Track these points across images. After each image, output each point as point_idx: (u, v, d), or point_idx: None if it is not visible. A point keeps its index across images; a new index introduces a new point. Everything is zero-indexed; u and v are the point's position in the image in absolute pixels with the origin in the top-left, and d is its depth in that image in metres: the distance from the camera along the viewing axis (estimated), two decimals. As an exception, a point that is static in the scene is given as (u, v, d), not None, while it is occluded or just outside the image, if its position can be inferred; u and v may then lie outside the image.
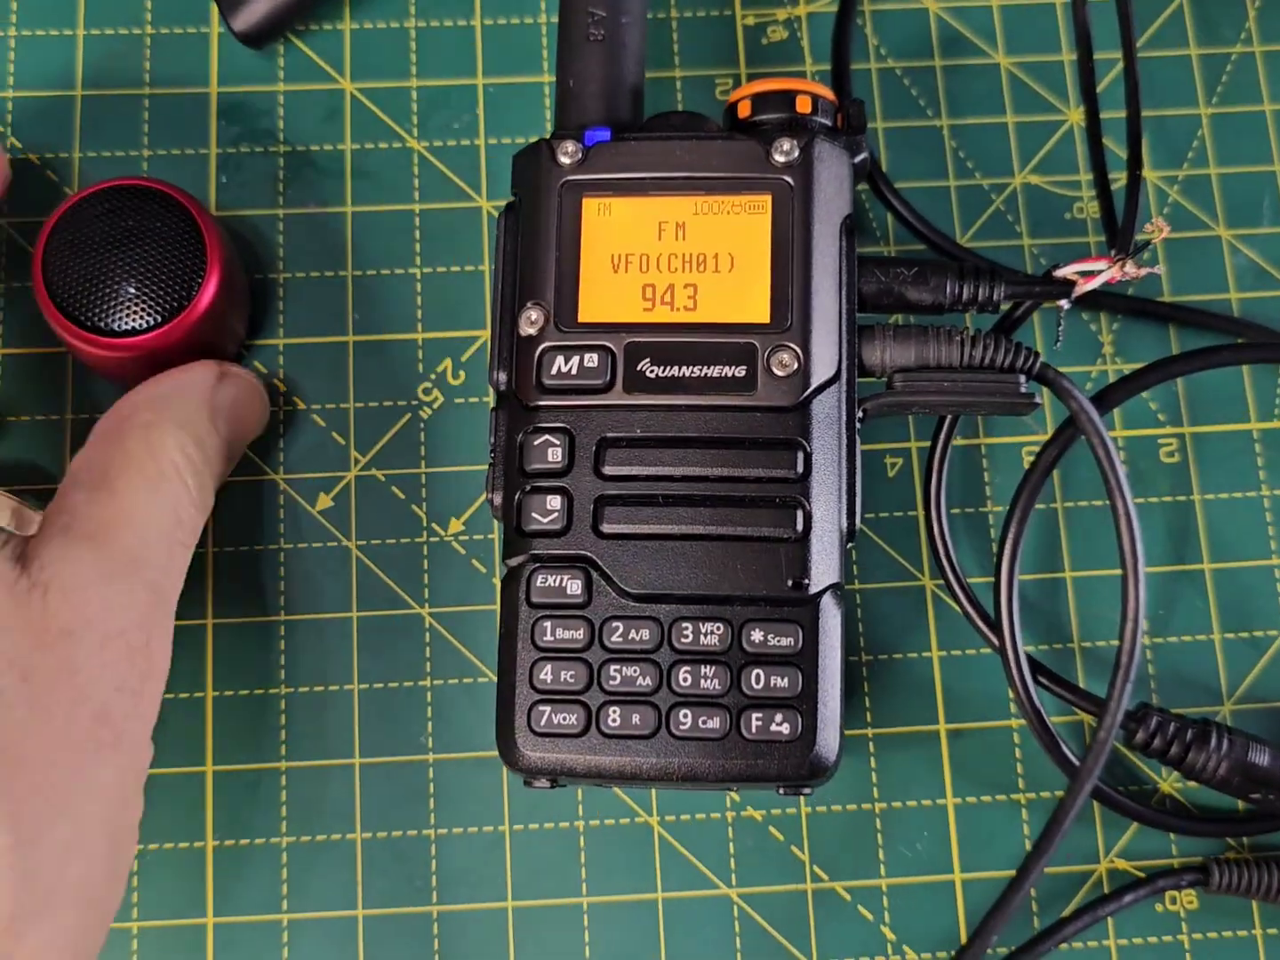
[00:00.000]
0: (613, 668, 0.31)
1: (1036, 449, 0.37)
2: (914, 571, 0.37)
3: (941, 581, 0.36)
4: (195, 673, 0.36)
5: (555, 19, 0.39)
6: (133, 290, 0.33)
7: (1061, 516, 0.37)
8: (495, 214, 0.38)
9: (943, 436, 0.36)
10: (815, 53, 0.40)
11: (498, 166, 0.39)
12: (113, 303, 0.33)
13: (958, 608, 0.36)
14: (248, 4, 0.38)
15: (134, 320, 0.33)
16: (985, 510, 0.37)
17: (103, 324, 0.33)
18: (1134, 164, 0.36)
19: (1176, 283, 0.39)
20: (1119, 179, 0.37)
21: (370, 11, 0.40)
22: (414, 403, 0.37)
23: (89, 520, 0.30)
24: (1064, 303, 0.34)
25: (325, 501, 0.37)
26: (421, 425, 0.37)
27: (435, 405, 0.37)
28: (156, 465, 0.31)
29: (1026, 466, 0.37)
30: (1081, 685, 0.36)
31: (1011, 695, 0.35)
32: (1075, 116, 0.40)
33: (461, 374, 0.38)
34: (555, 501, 0.31)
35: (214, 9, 0.39)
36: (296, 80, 0.39)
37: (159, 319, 0.33)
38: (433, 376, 0.38)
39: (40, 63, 0.39)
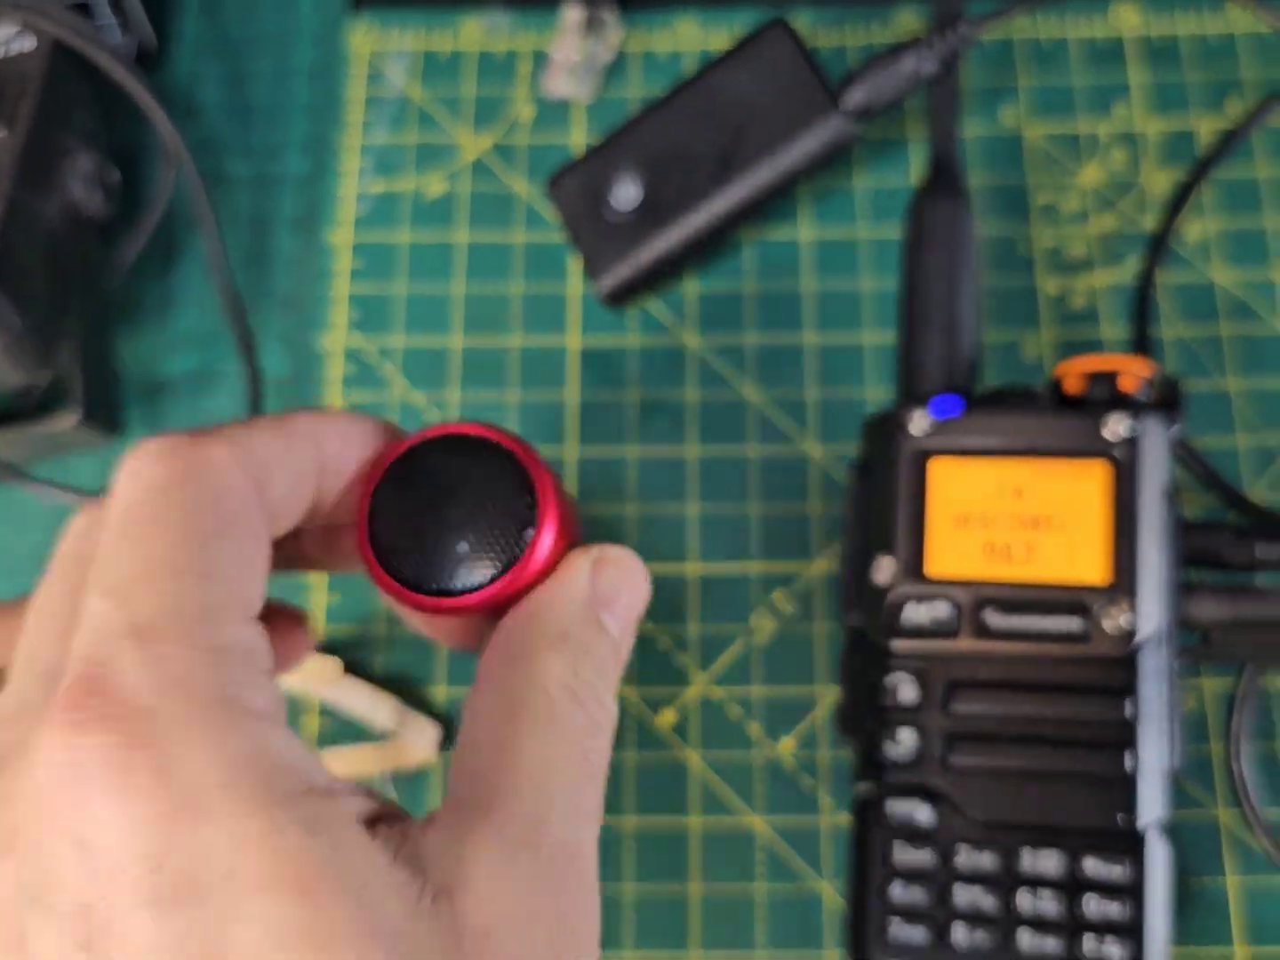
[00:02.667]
0: (959, 888, 0.34)
1: (1328, 693, 0.40)
2: (1209, 802, 0.40)
3: (1238, 812, 0.39)
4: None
5: (873, 283, 0.44)
6: (454, 545, 0.29)
7: (1352, 758, 0.40)
8: (822, 461, 0.43)
9: (1244, 681, 0.39)
10: (1111, 318, 0.44)
11: (824, 418, 0.43)
12: (435, 558, 0.29)
13: (1256, 841, 0.38)
14: (612, 269, 0.43)
15: (459, 578, 0.29)
16: (1274, 745, 0.40)
17: (424, 582, 0.29)
18: None
19: None
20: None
21: (712, 276, 0.45)
22: (748, 627, 0.42)
23: (483, 788, 0.26)
24: (1369, 566, 0.37)
25: (669, 716, 0.41)
26: (754, 649, 0.41)
27: (768, 631, 0.42)
28: (547, 701, 0.28)
29: (1319, 709, 0.40)
30: (1377, 922, 0.38)
31: (1312, 929, 0.37)
32: (1355, 382, 0.43)
33: (792, 603, 0.42)
34: (908, 735, 0.35)
35: (576, 273, 0.45)
36: (649, 335, 0.45)
37: (486, 577, 0.29)
38: (765, 604, 0.42)
39: (428, 315, 0.45)
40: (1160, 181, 0.46)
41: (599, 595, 0.29)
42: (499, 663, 0.28)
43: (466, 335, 0.45)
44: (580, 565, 0.30)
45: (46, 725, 0.23)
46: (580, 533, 0.33)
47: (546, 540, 0.29)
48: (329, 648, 0.42)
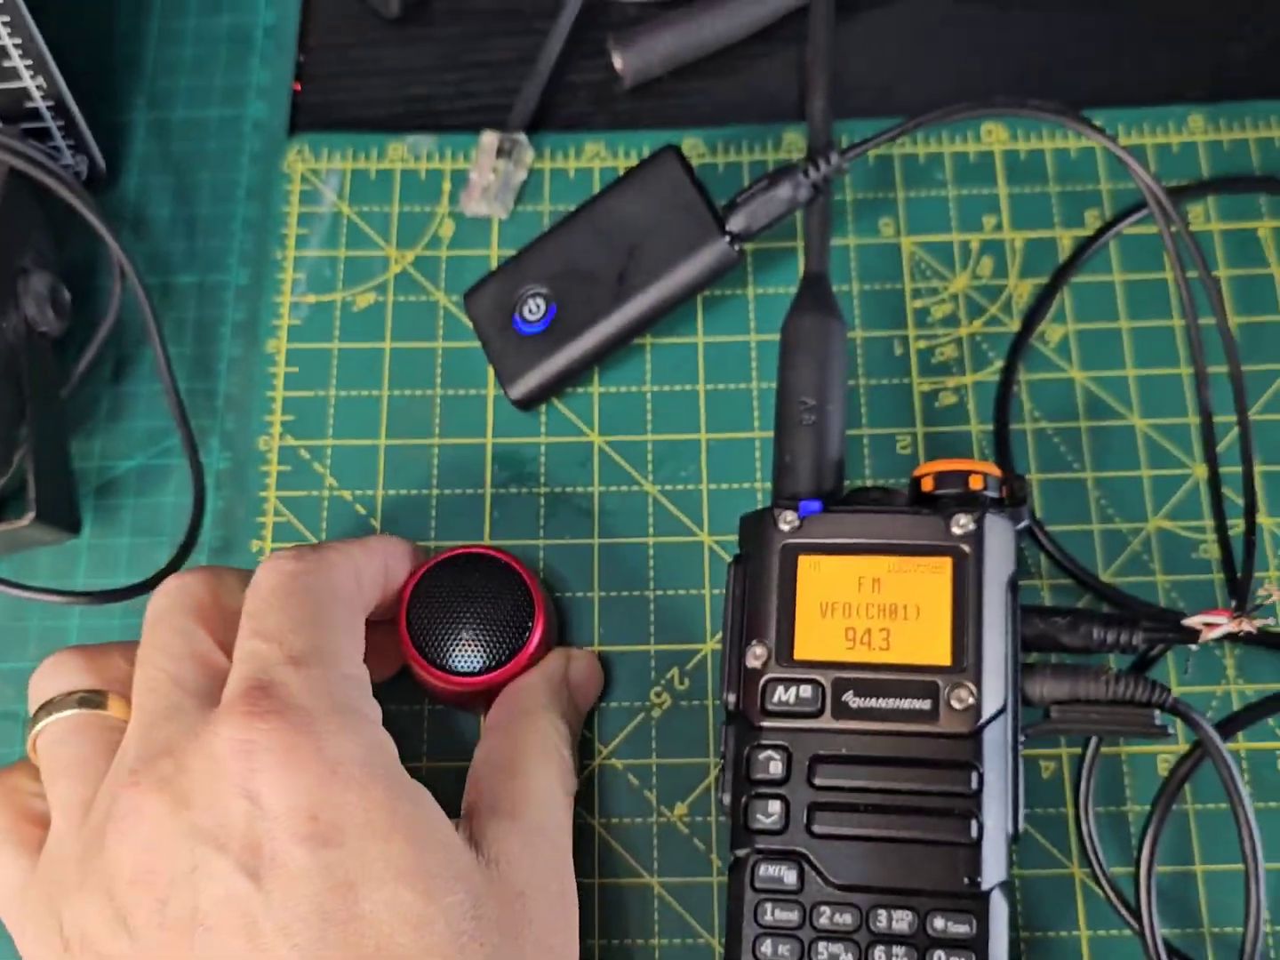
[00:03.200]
0: (820, 945, 0.38)
1: (1171, 758, 0.44)
2: (1065, 861, 0.44)
3: (1089, 871, 0.43)
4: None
5: (763, 384, 0.49)
6: (474, 639, 0.42)
7: (1193, 817, 0.44)
8: (714, 547, 0.47)
9: (1090, 751, 0.43)
10: (979, 414, 0.49)
11: (717, 507, 0.48)
12: (459, 647, 0.42)
13: (1102, 895, 0.42)
14: (522, 377, 0.48)
15: (476, 662, 0.42)
16: (1126, 809, 0.44)
17: (451, 665, 0.42)
18: (1250, 523, 0.43)
19: (1292, 615, 0.46)
20: (1238, 525, 0.45)
21: (614, 379, 0.50)
22: (647, 703, 0.46)
23: (506, 800, 0.39)
24: (1192, 647, 0.41)
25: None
26: (653, 723, 0.45)
27: (664, 706, 0.46)
28: (543, 746, 0.41)
29: (1163, 773, 0.44)
30: (1214, 967, 0.42)
31: (1152, 975, 0.41)
32: (1200, 471, 0.48)
33: (686, 680, 0.46)
34: (775, 806, 0.39)
35: (491, 379, 0.49)
36: (556, 434, 0.49)
37: (497, 661, 0.42)
38: (663, 682, 0.46)
39: (356, 418, 0.49)
40: (1025, 287, 0.50)
41: (572, 682, 0.44)
42: (506, 717, 0.42)
43: (390, 436, 0.49)
44: (561, 657, 0.44)
45: (225, 715, 0.34)
46: (554, 622, 0.46)
47: (537, 637, 0.43)
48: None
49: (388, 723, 0.37)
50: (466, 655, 0.42)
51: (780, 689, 0.40)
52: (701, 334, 0.50)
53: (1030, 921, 0.43)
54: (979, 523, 0.40)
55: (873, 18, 0.56)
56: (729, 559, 0.46)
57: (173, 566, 0.46)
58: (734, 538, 0.44)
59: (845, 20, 0.54)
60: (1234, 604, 0.41)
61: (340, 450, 0.49)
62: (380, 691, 0.38)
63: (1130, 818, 0.44)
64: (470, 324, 0.49)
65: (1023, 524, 0.41)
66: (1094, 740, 0.43)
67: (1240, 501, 0.46)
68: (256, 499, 0.49)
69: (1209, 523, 0.47)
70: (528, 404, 0.48)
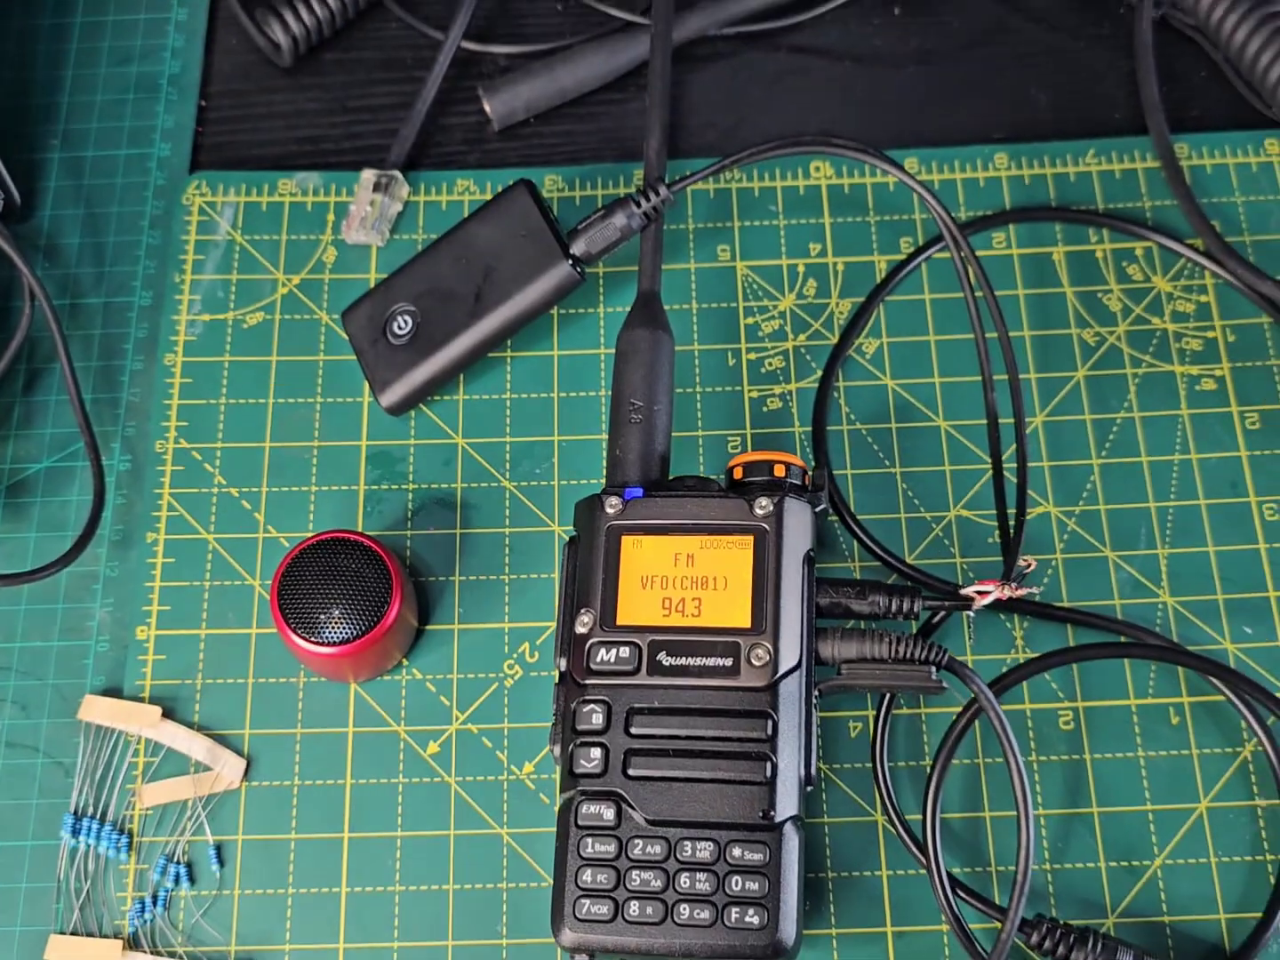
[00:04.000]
0: (634, 873, 0.43)
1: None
2: (868, 809, 0.49)
3: (887, 817, 0.48)
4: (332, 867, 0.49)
5: (609, 392, 0.54)
6: (339, 613, 0.47)
7: (983, 769, 0.50)
8: (564, 536, 0.53)
9: (883, 709, 0.49)
10: (802, 417, 0.55)
11: (567, 500, 0.53)
12: (327, 621, 0.47)
13: (897, 837, 0.48)
14: (391, 386, 0.53)
15: (343, 633, 0.47)
16: (924, 764, 0.50)
17: (320, 636, 0.47)
18: (1020, 506, 0.50)
19: (1073, 592, 0.52)
20: (1034, 513, 0.51)
21: (478, 387, 0.55)
22: (500, 674, 0.51)
23: None
24: (969, 612, 0.47)
25: (434, 748, 0.50)
26: (505, 692, 0.51)
27: (516, 677, 0.51)
28: None
29: (954, 731, 0.49)
30: (996, 900, 0.48)
31: (939, 905, 0.47)
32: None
33: (536, 654, 0.51)
34: (596, 753, 0.44)
35: (365, 388, 0.55)
36: (424, 436, 0.55)
37: (360, 631, 0.47)
38: (515, 655, 0.51)
39: (244, 424, 0.55)
40: (845, 305, 0.56)
41: None
42: None
43: (275, 440, 0.55)
44: None
45: None
46: (414, 603, 0.51)
47: (395, 610, 0.48)
48: (154, 698, 0.51)
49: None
50: (334, 627, 0.47)
51: (603, 650, 0.45)
52: (556, 347, 0.56)
53: (837, 864, 0.48)
54: (779, 505, 0.46)
55: (713, 68, 0.62)
56: (571, 544, 0.51)
57: (73, 554, 0.51)
58: (580, 528, 0.49)
59: (694, 70, 0.61)
60: (1003, 574, 0.47)
61: (229, 452, 0.55)
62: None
63: (926, 771, 0.50)
64: (346, 338, 0.55)
65: (820, 507, 0.47)
66: (886, 698, 0.49)
67: (1040, 499, 0.52)
68: (153, 496, 0.54)
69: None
70: (398, 410, 0.54)
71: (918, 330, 0.56)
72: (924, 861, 0.47)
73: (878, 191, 0.59)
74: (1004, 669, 0.50)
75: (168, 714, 0.50)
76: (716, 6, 0.61)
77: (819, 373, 0.55)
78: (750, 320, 0.56)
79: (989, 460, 0.53)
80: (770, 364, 0.56)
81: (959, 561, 0.52)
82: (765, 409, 0.55)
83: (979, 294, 0.52)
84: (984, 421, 0.54)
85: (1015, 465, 0.51)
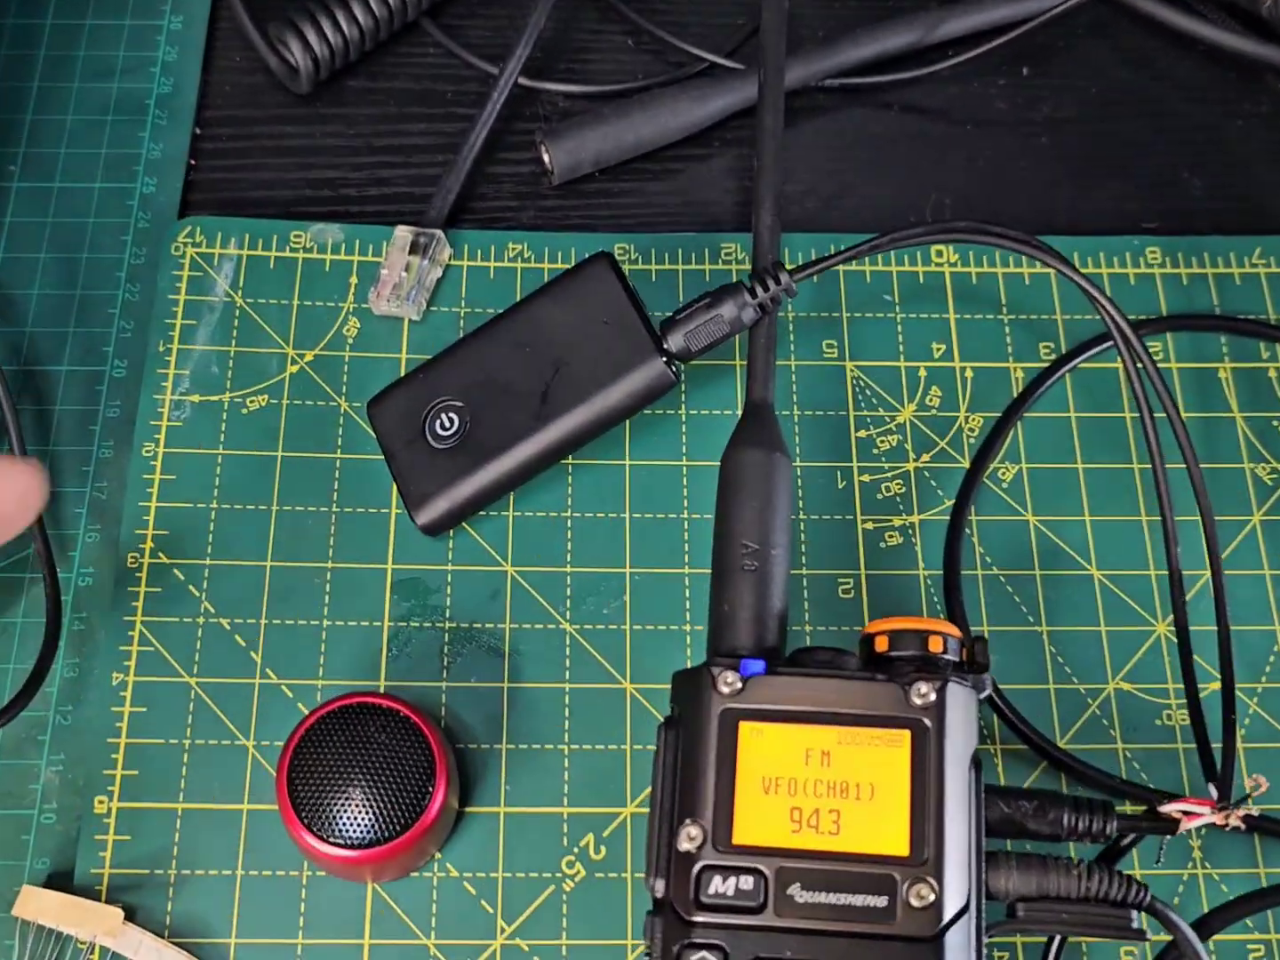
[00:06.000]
0: None
1: (1136, 950, 0.40)
2: (1019, 1066, 0.39)
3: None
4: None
5: (695, 515, 0.44)
6: (366, 804, 0.37)
7: (1156, 1015, 0.40)
8: (638, 696, 0.42)
9: (1054, 950, 0.39)
10: (927, 558, 0.45)
11: (642, 651, 0.43)
12: (348, 813, 0.37)
13: None
14: (431, 501, 0.43)
15: (367, 832, 0.37)
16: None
17: (338, 833, 0.37)
18: (1228, 698, 0.40)
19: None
20: (1205, 688, 0.41)
21: (532, 502, 0.45)
22: (557, 875, 0.41)
23: None
24: (1168, 837, 0.37)
25: (472, 969, 0.40)
26: (564, 898, 0.40)
27: (577, 878, 0.41)
28: None
29: (1124, 968, 0.40)
30: None
31: None
32: (1162, 628, 0.44)
33: (602, 850, 0.41)
34: (709, 1013, 0.34)
35: (394, 497, 0.44)
36: (464, 562, 0.44)
37: (392, 831, 0.37)
38: (576, 850, 0.41)
39: (239, 535, 0.44)
40: (976, 421, 0.47)
41: None
42: None
43: (277, 558, 0.44)
44: None
45: None
46: (456, 782, 0.40)
47: (438, 803, 0.38)
48: (114, 891, 0.40)
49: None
50: (357, 823, 0.37)
51: (717, 878, 0.35)
52: (629, 456, 0.46)
53: None
54: (940, 692, 0.36)
55: (814, 126, 0.53)
56: (658, 716, 0.41)
57: (20, 702, 0.40)
58: (660, 685, 0.39)
59: (792, 126, 0.51)
60: (1216, 793, 0.38)
61: (220, 571, 0.44)
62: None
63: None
64: (374, 435, 0.44)
65: (985, 693, 0.37)
66: (1058, 937, 0.39)
67: (1210, 669, 0.43)
68: (121, 624, 0.43)
69: (1172, 685, 0.43)
70: (435, 529, 0.43)
71: (1062, 456, 0.47)
72: None
73: (1010, 284, 0.49)
74: (1180, 888, 0.41)
75: (130, 915, 0.39)
76: (819, 54, 0.51)
77: (947, 502, 0.46)
78: (863, 433, 0.47)
79: (1156, 622, 0.44)
80: (888, 488, 0.46)
81: (1120, 747, 0.43)
82: (882, 545, 0.45)
83: (1159, 415, 0.43)
84: (1148, 572, 0.45)
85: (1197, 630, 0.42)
